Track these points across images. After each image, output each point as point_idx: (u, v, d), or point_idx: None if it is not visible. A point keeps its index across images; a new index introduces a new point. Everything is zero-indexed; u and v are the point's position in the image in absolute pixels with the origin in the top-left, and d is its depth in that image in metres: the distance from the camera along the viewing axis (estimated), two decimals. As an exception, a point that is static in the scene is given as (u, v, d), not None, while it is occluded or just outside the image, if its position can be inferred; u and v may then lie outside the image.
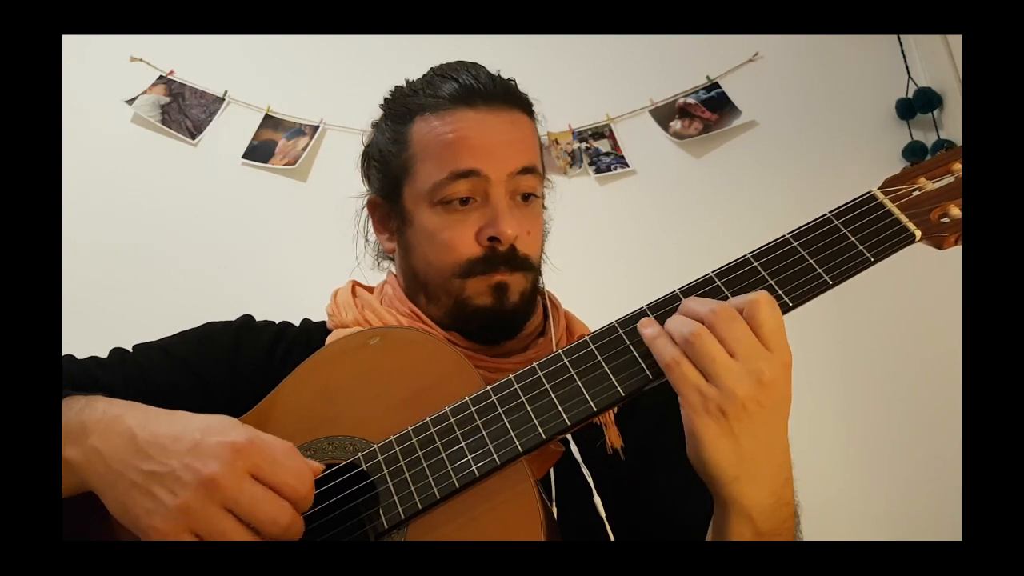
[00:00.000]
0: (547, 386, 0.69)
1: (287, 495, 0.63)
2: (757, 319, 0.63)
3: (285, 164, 2.00)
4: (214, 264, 1.92)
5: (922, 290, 1.89)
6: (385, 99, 0.95)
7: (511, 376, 0.71)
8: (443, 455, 0.68)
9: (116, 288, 1.86)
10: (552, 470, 0.79)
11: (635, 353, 0.68)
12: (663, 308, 0.70)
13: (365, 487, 0.69)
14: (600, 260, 1.98)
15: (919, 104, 2.08)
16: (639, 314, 0.70)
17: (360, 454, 0.70)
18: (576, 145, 2.10)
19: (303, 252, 1.90)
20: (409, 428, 0.70)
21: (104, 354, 0.88)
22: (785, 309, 0.68)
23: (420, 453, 0.69)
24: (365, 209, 0.99)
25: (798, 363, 0.64)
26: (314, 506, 0.67)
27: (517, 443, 0.67)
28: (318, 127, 2.03)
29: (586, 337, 0.71)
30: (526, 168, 0.87)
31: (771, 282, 0.69)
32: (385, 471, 0.69)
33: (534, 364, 0.71)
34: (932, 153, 2.04)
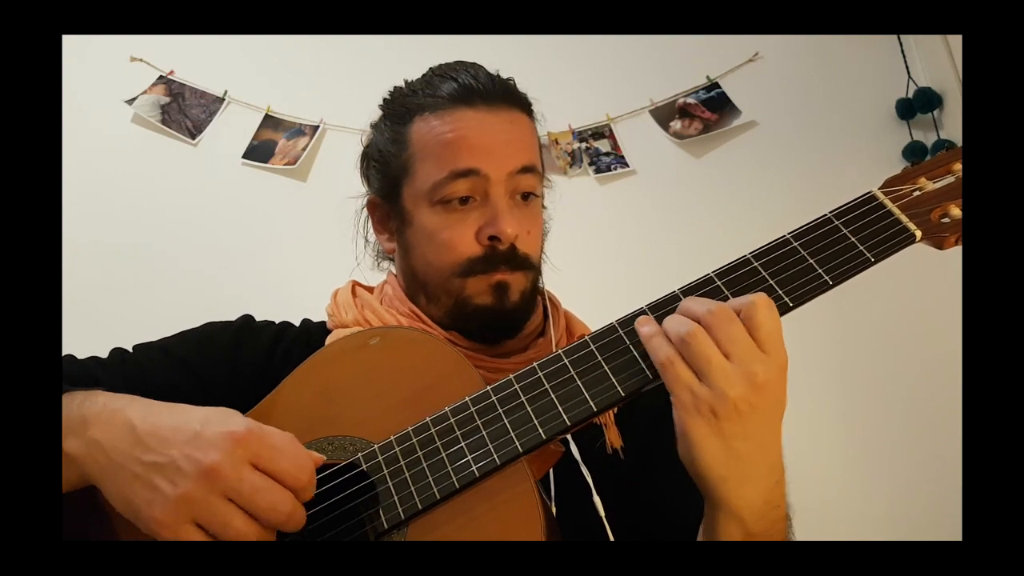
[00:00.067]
0: (547, 386, 0.69)
1: (288, 484, 0.63)
2: (754, 321, 0.63)
3: (285, 164, 2.00)
4: (214, 264, 1.92)
5: (922, 290, 1.89)
6: (384, 99, 0.95)
7: (511, 376, 0.71)
8: (443, 455, 0.68)
9: (116, 288, 1.86)
10: (552, 470, 0.79)
11: (635, 353, 0.68)
12: (663, 308, 0.70)
13: (365, 487, 0.69)
14: (600, 260, 1.98)
15: (919, 104, 2.08)
16: (639, 314, 0.70)
17: (360, 454, 0.70)
18: (576, 145, 2.10)
19: (303, 252, 1.90)
20: (409, 428, 0.70)
21: (104, 354, 0.88)
22: (785, 309, 0.68)
23: (420, 453, 0.69)
24: (365, 209, 0.99)
25: (798, 363, 0.64)
26: (314, 506, 0.67)
27: (517, 443, 0.67)
28: (318, 127, 2.03)
29: (586, 337, 0.71)
30: (526, 167, 0.87)
31: (771, 282, 0.69)
32: (385, 471, 0.69)
33: (534, 364, 0.71)
34: (932, 153, 2.04)
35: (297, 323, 0.97)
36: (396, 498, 0.68)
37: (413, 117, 0.89)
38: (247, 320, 0.95)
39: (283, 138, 2.02)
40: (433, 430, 0.70)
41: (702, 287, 0.70)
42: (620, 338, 0.70)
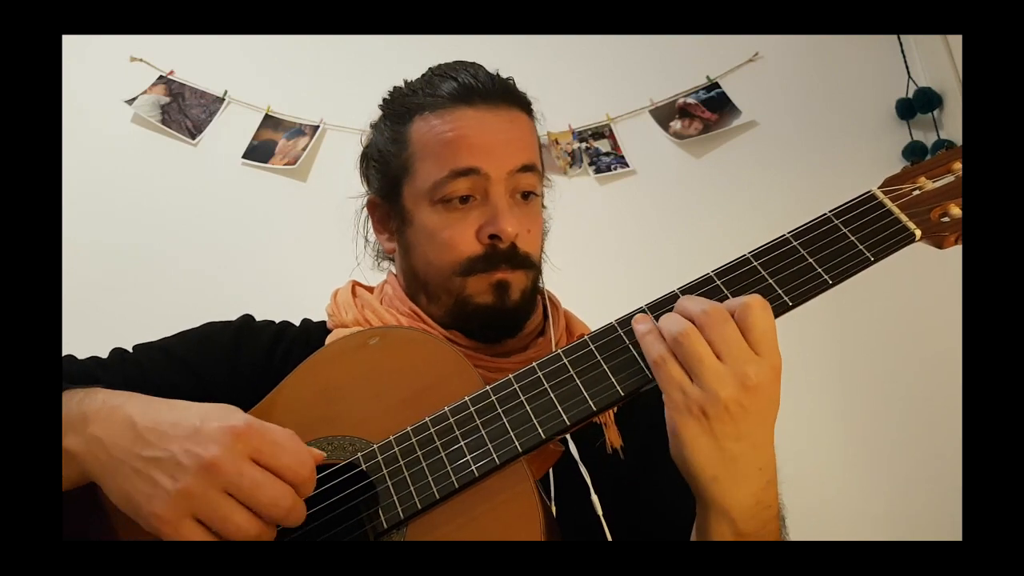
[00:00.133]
0: (546, 386, 0.69)
1: (288, 479, 0.62)
2: (747, 322, 0.63)
3: (285, 164, 2.00)
4: (214, 264, 1.92)
5: (921, 289, 1.89)
6: (384, 99, 0.96)
7: (511, 376, 0.71)
8: (442, 455, 0.68)
9: (116, 288, 1.86)
10: (551, 469, 0.79)
11: (634, 353, 0.68)
12: (662, 308, 0.70)
13: (364, 487, 0.69)
14: (600, 260, 1.98)
15: (919, 104, 2.08)
16: (638, 314, 0.70)
17: (359, 454, 0.70)
18: (576, 145, 2.10)
19: (303, 252, 1.90)
20: (408, 428, 0.70)
21: (104, 354, 0.88)
22: (785, 309, 0.68)
23: (419, 453, 0.69)
24: (365, 209, 0.99)
25: (798, 363, 0.65)
26: (314, 506, 0.67)
27: (516, 443, 0.67)
28: (318, 127, 2.03)
29: (585, 337, 0.71)
30: (526, 166, 0.87)
31: (771, 281, 0.69)
32: (384, 471, 0.69)
33: (533, 364, 0.71)
34: (932, 153, 2.04)
35: (297, 323, 0.97)
36: (395, 498, 0.68)
37: (413, 116, 0.89)
38: (247, 320, 0.95)
39: (283, 138, 2.02)
40: (432, 430, 0.70)
41: (701, 286, 0.70)
42: (619, 338, 0.70)
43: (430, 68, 0.94)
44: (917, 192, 0.72)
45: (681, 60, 2.15)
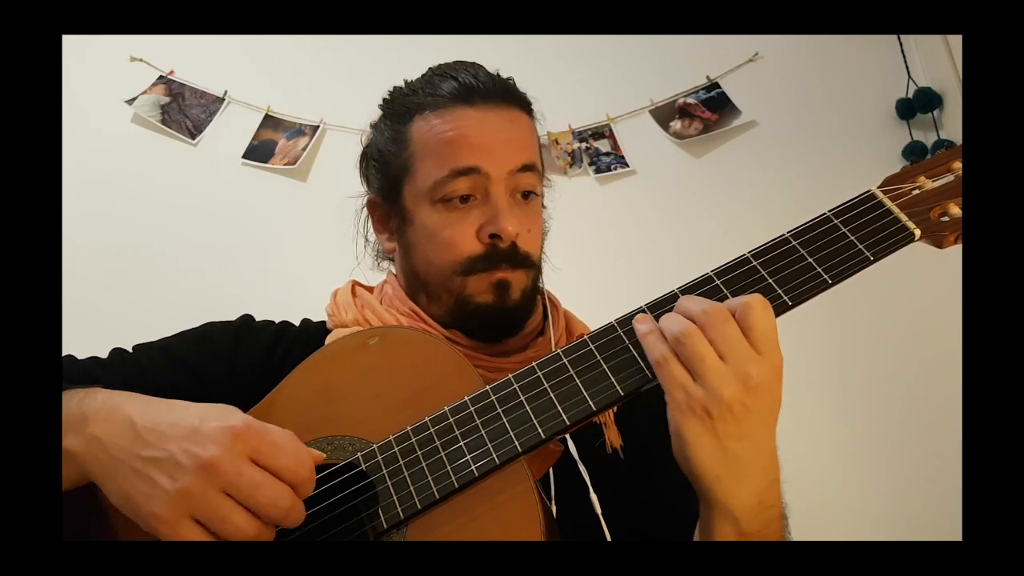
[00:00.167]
0: (546, 386, 0.69)
1: (287, 479, 0.62)
2: (748, 321, 0.63)
3: (285, 164, 2.00)
4: (214, 264, 1.92)
5: (921, 289, 1.89)
6: (384, 99, 0.96)
7: (510, 376, 0.71)
8: (442, 455, 0.68)
9: (116, 288, 1.86)
10: (551, 469, 0.79)
11: (634, 352, 0.68)
12: (662, 307, 0.70)
13: (364, 487, 0.69)
14: (600, 260, 1.98)
15: (919, 104, 2.08)
16: (638, 313, 0.70)
17: (359, 454, 0.70)
18: (576, 145, 2.10)
19: (303, 252, 1.90)
20: (408, 428, 0.70)
21: (104, 354, 0.88)
22: (784, 308, 0.68)
23: (419, 453, 0.69)
24: (365, 209, 0.99)
25: (798, 363, 0.65)
26: (313, 506, 0.67)
27: (516, 443, 0.67)
28: (318, 127, 2.03)
29: (585, 337, 0.71)
30: (526, 166, 0.87)
31: (770, 281, 0.69)
32: (384, 471, 0.69)
33: (533, 364, 0.71)
34: (932, 153, 2.04)
35: (297, 323, 0.97)
36: (395, 498, 0.68)
37: (413, 116, 0.89)
38: (247, 320, 0.95)
39: (283, 138, 2.02)
40: (432, 430, 0.70)
41: (701, 286, 0.70)
42: (619, 337, 0.70)
43: (430, 68, 0.94)
44: (917, 192, 0.72)
45: (681, 60, 2.15)
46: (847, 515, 1.87)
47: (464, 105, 0.87)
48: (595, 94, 2.13)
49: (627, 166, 2.10)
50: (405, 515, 0.67)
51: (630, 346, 0.69)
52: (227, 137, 2.00)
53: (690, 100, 2.14)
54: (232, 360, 0.88)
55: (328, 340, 0.88)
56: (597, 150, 2.11)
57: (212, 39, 2.00)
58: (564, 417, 0.68)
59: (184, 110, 2.00)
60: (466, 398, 0.70)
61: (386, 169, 0.92)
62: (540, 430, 0.68)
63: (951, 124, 2.07)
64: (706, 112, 2.13)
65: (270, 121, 2.03)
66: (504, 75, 0.92)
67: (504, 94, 0.89)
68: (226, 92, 2.03)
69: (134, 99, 1.98)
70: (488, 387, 0.71)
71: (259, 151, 2.01)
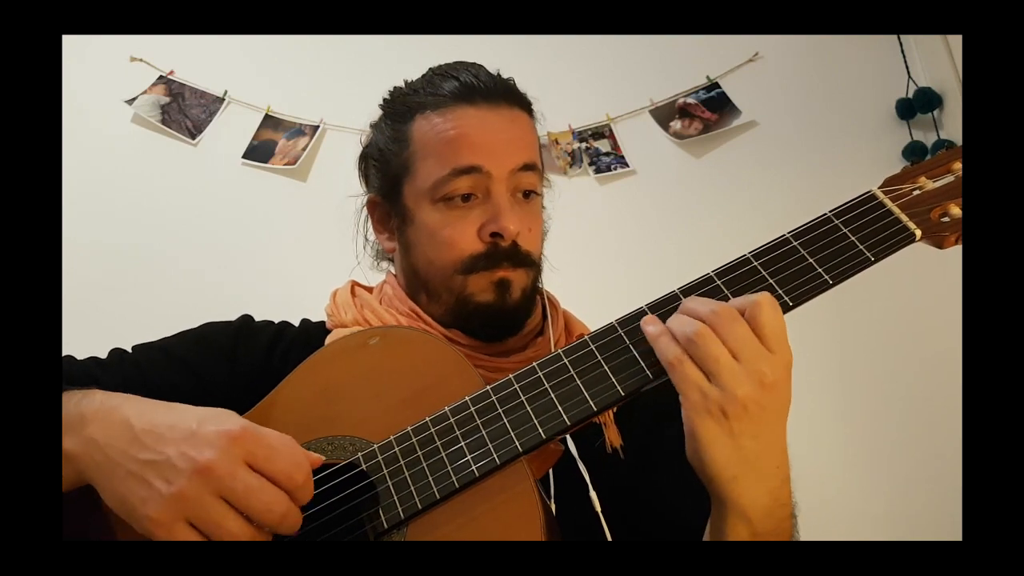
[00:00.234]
0: (547, 386, 0.69)
1: (284, 485, 0.62)
2: (759, 320, 0.63)
3: (285, 164, 2.00)
4: (214, 264, 1.92)
5: (922, 289, 1.89)
6: (384, 99, 0.96)
7: (511, 376, 0.71)
8: (443, 455, 0.68)
9: (116, 288, 1.86)
10: (552, 469, 0.79)
11: (635, 353, 0.68)
12: (663, 308, 0.70)
13: (365, 487, 0.69)
14: (600, 260, 1.98)
15: (919, 104, 2.08)
16: (639, 314, 0.70)
17: (360, 454, 0.70)
18: (576, 145, 2.10)
19: (303, 252, 1.90)
20: (409, 428, 0.70)
21: (104, 354, 0.88)
22: (785, 309, 0.68)
23: (420, 453, 0.69)
24: (364, 209, 0.99)
25: (798, 363, 0.65)
26: (314, 506, 0.67)
27: (517, 443, 0.67)
28: (318, 127, 2.03)
29: (586, 337, 0.71)
30: (527, 165, 0.87)
31: (771, 281, 0.69)
32: (385, 471, 0.69)
33: (534, 364, 0.71)
34: (932, 153, 2.04)
35: (297, 323, 0.97)
36: (396, 498, 0.68)
37: (414, 115, 0.89)
38: (246, 320, 0.95)
39: (283, 138, 2.02)
40: (433, 430, 0.70)
41: (702, 287, 0.70)
42: (620, 338, 0.70)
43: (431, 68, 0.94)
44: (917, 192, 0.72)
45: (681, 60, 2.15)
46: (847, 515, 1.87)
47: (465, 104, 0.87)
48: (595, 94, 2.13)
49: (627, 166, 2.10)
50: (406, 515, 0.67)
51: (631, 346, 0.69)
52: (227, 137, 2.00)
53: (690, 100, 2.14)
54: (232, 360, 0.88)
55: (328, 340, 0.88)
56: (597, 150, 2.11)
57: (212, 39, 2.00)
58: (565, 417, 0.68)
59: (184, 110, 2.00)
60: (466, 398, 0.70)
61: (386, 168, 0.92)
62: (541, 430, 0.68)
63: (951, 124, 2.07)
64: (706, 112, 2.13)
65: (270, 121, 2.03)
66: (504, 75, 0.92)
67: (505, 94, 0.89)
68: (226, 92, 2.03)
69: (134, 99, 1.98)
70: (488, 387, 0.71)
71: (259, 151, 2.01)
